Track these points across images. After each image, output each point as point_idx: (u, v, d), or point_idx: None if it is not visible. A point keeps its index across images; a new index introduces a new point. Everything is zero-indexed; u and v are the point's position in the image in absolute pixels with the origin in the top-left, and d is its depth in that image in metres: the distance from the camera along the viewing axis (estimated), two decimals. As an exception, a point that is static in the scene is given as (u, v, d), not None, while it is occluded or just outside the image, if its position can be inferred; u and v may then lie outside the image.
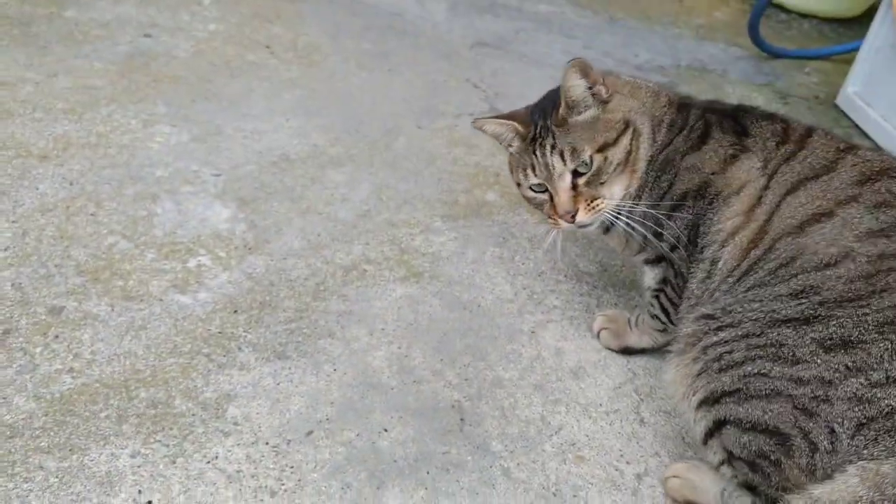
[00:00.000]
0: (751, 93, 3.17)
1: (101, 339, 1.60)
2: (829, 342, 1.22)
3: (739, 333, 1.32)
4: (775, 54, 3.55)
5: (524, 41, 3.34)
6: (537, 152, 1.54)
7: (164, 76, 2.62)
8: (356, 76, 2.84)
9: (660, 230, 1.54)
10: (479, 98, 2.83)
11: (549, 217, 1.58)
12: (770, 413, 1.24)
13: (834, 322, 1.23)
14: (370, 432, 1.49)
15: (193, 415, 1.47)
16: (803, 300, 1.29)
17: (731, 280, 1.42)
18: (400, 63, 2.99)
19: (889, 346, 1.18)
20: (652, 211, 1.53)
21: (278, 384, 1.56)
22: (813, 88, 3.29)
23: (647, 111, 1.60)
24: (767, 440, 1.24)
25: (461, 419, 1.55)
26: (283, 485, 1.36)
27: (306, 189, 2.17)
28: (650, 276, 1.66)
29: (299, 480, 1.38)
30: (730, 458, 1.31)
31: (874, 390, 1.16)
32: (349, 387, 1.58)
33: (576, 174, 1.52)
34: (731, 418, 1.28)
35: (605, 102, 1.54)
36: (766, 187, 1.43)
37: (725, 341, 1.33)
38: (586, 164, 1.51)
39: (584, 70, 1.50)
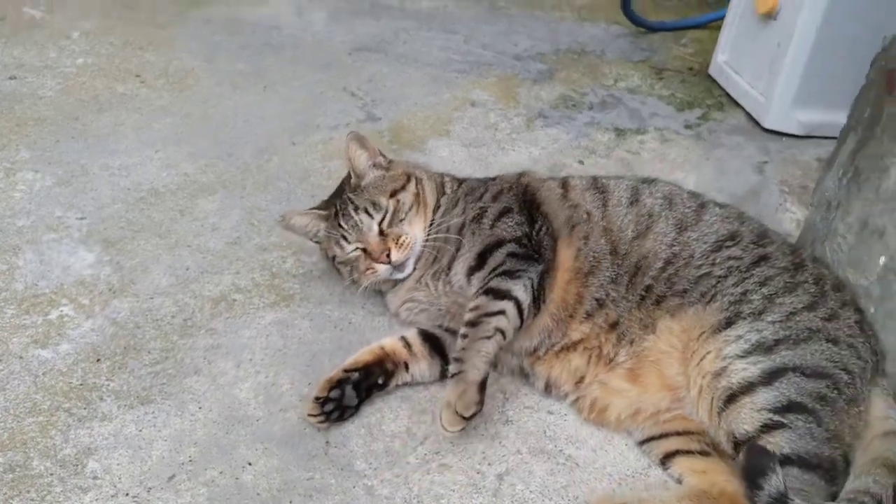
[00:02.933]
0: (627, 71, 3.23)
1: (-45, 407, 1.58)
2: None
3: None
4: (651, 28, 3.62)
5: (403, 41, 3.34)
6: (343, 223, 1.81)
7: (28, 119, 2.57)
8: (230, 98, 2.82)
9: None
10: (357, 106, 2.83)
11: (367, 269, 1.79)
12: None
13: None
14: (234, 468, 1.50)
15: (52, 474, 1.46)
16: None
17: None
18: (276, 80, 2.98)
19: None
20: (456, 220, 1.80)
21: (141, 431, 1.56)
22: (688, 60, 3.37)
23: (424, 170, 1.98)
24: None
25: (326, 442, 1.57)
26: (141, 534, 1.37)
27: (175, 222, 2.15)
28: (478, 276, 1.68)
29: (158, 528, 1.38)
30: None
31: None
32: (214, 424, 1.59)
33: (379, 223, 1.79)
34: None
35: (386, 169, 1.90)
36: None
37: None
38: (385, 210, 1.80)
39: (361, 140, 1.88)
